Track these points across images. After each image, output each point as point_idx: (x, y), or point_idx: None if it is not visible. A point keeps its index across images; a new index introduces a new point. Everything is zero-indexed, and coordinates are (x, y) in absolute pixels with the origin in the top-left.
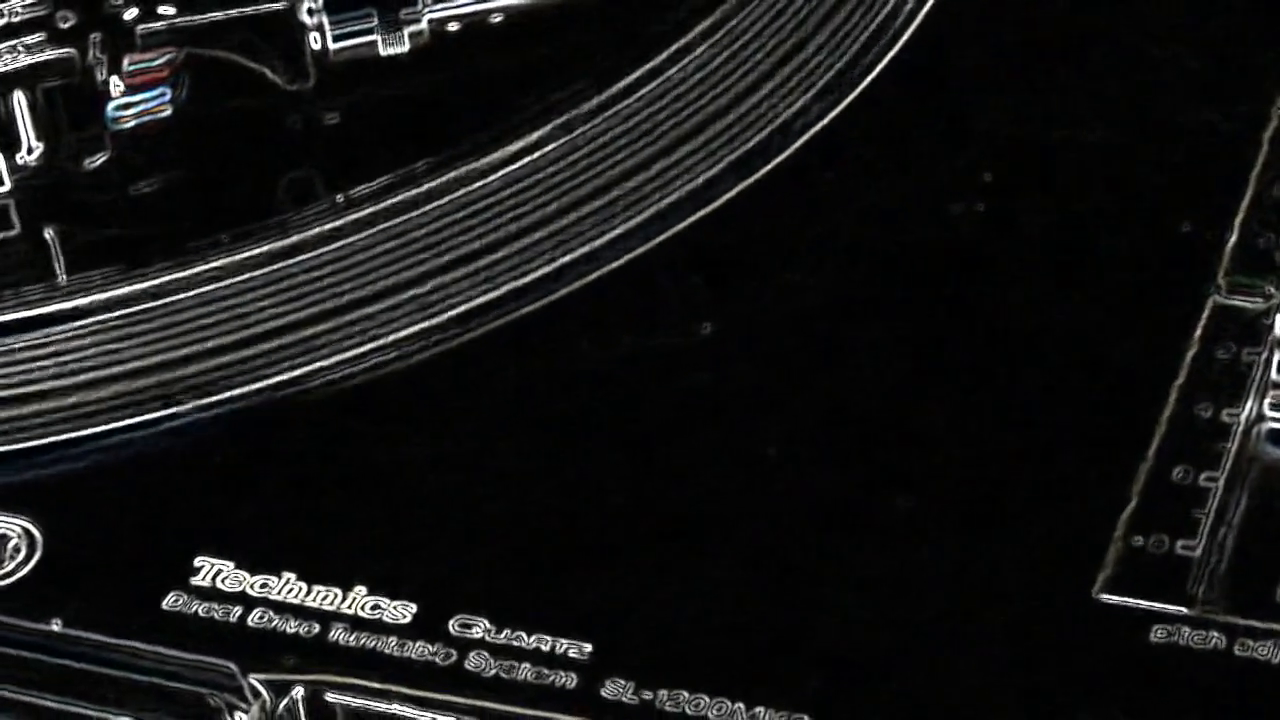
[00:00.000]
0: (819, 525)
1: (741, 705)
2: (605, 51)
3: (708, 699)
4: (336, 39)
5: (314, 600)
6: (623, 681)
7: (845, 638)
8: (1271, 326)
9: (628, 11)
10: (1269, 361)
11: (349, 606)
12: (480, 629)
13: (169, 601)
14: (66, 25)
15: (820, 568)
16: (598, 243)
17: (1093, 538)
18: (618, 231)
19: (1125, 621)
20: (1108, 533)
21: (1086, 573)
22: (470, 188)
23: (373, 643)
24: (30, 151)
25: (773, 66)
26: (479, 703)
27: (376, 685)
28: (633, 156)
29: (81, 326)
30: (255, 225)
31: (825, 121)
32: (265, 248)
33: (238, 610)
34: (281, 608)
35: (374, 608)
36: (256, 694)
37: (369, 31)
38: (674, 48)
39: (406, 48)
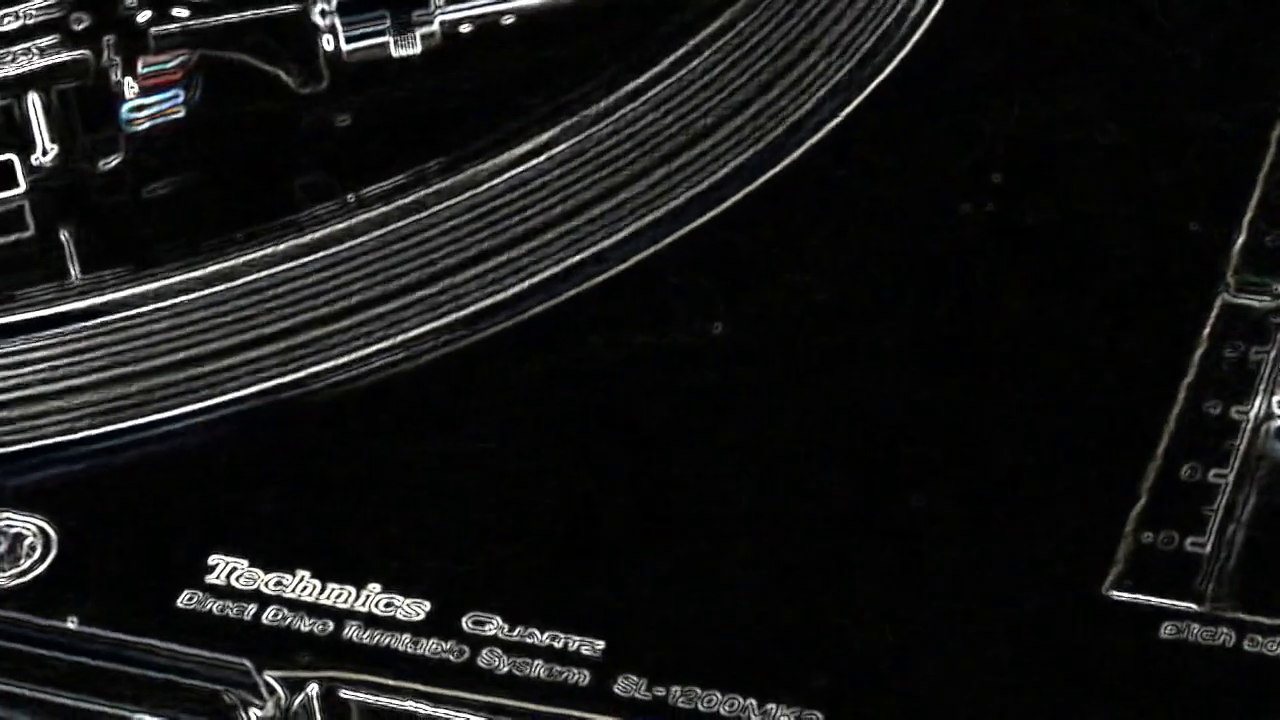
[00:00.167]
0: (830, 523)
1: (753, 702)
2: (615, 53)
3: (720, 695)
4: (349, 41)
5: (328, 598)
6: (635, 678)
7: (857, 635)
8: (1279, 325)
9: (638, 14)
10: (1277, 359)
11: (363, 604)
12: (493, 626)
13: (184, 599)
14: (81, 27)
15: (832, 566)
16: (608, 243)
17: (1102, 535)
18: (628, 232)
19: (1135, 618)
20: (1117, 530)
21: (1096, 569)
22: (481, 188)
23: (386, 640)
24: (45, 153)
25: (782, 68)
26: (492, 699)
27: (390, 682)
28: (643, 158)
29: (95, 326)
30: (267, 226)
31: (835, 122)
32: (277, 248)
33: (252, 608)
34: (296, 605)
35: (388, 605)
36: (271, 691)
37: (381, 33)
38: (683, 49)
39: (419, 50)
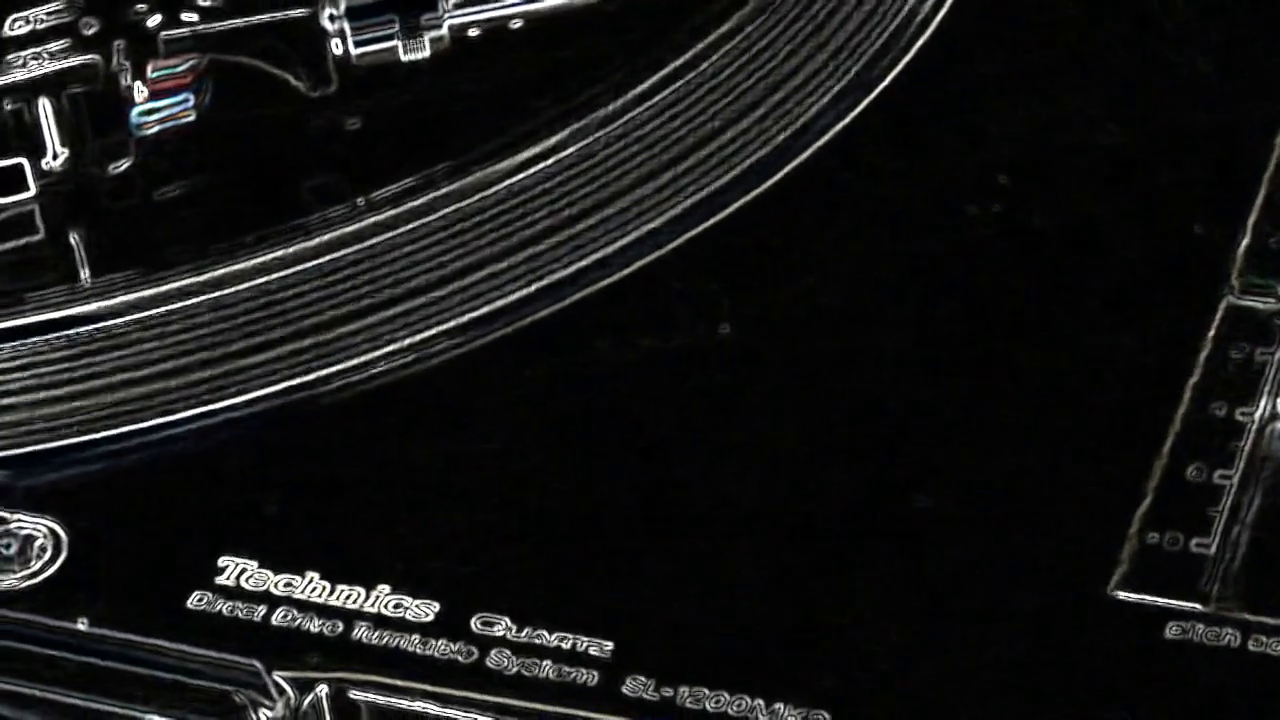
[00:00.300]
0: (837, 524)
1: (761, 702)
2: (623, 57)
3: (727, 696)
4: (358, 45)
5: (337, 599)
6: (643, 679)
7: (863, 635)
8: None
9: (645, 18)
10: None
11: (372, 605)
12: (502, 627)
13: (194, 600)
14: (91, 32)
15: (838, 566)
16: (616, 246)
17: (1108, 535)
18: (635, 235)
19: (1140, 618)
20: (1123, 530)
21: (1102, 570)
22: (489, 191)
23: (396, 641)
24: (55, 157)
25: (789, 71)
26: (501, 700)
27: (399, 683)
28: (650, 161)
29: (105, 329)
30: (277, 229)
31: (842, 125)
32: (287, 251)
33: (262, 609)
34: (305, 606)
35: (397, 606)
36: (281, 691)
37: (390, 37)
38: (691, 53)
39: (427, 53)
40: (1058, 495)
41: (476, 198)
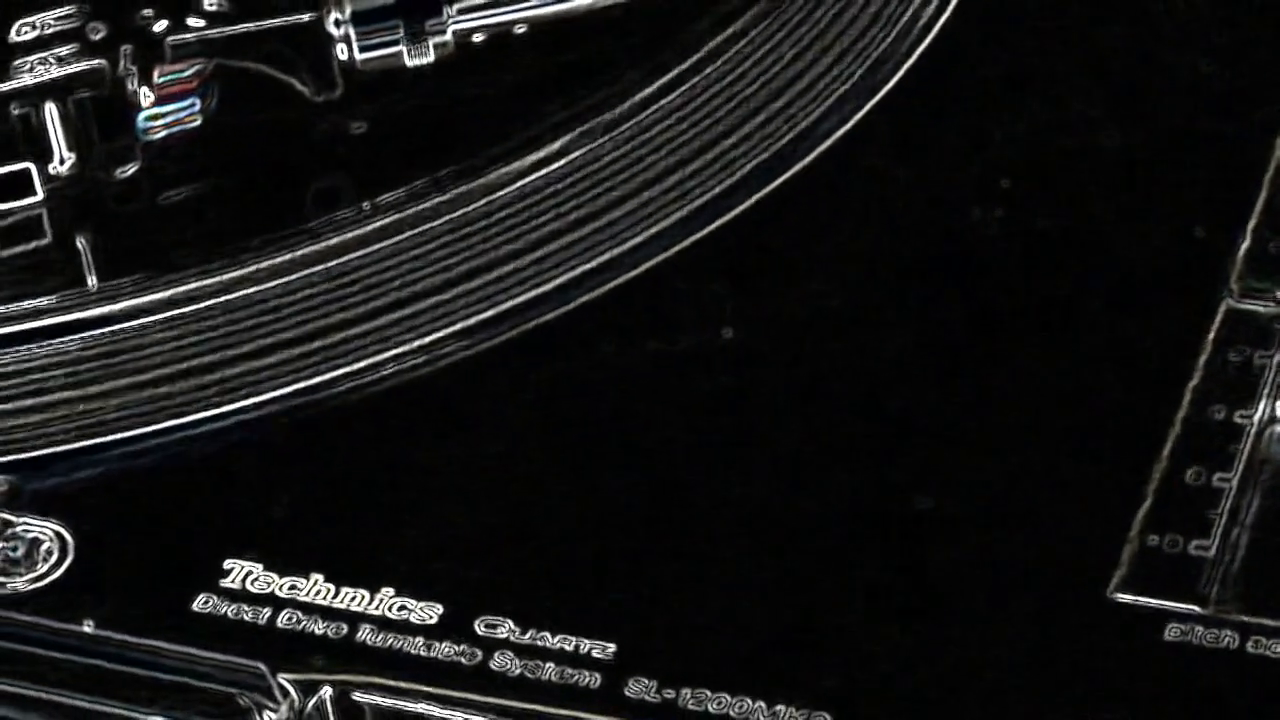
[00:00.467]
0: (838, 526)
1: (762, 704)
2: (627, 62)
3: (729, 697)
4: (363, 50)
5: (342, 601)
6: (646, 680)
7: (864, 636)
8: None
9: (650, 23)
10: None
11: (376, 608)
12: (505, 629)
13: (199, 603)
14: (98, 37)
15: (839, 568)
16: (620, 249)
17: (1108, 537)
18: (640, 238)
19: (1139, 620)
20: (1123, 532)
21: (1101, 572)
22: (494, 195)
23: (399, 643)
24: (62, 161)
25: (793, 76)
26: (504, 702)
27: (403, 685)
28: (654, 165)
29: (112, 332)
30: (283, 233)
31: (845, 129)
32: (292, 255)
33: (267, 611)
34: (310, 609)
35: (401, 609)
36: (285, 693)
37: (395, 43)
38: (696, 58)
39: (432, 59)
40: (1058, 497)
41: (482, 201)
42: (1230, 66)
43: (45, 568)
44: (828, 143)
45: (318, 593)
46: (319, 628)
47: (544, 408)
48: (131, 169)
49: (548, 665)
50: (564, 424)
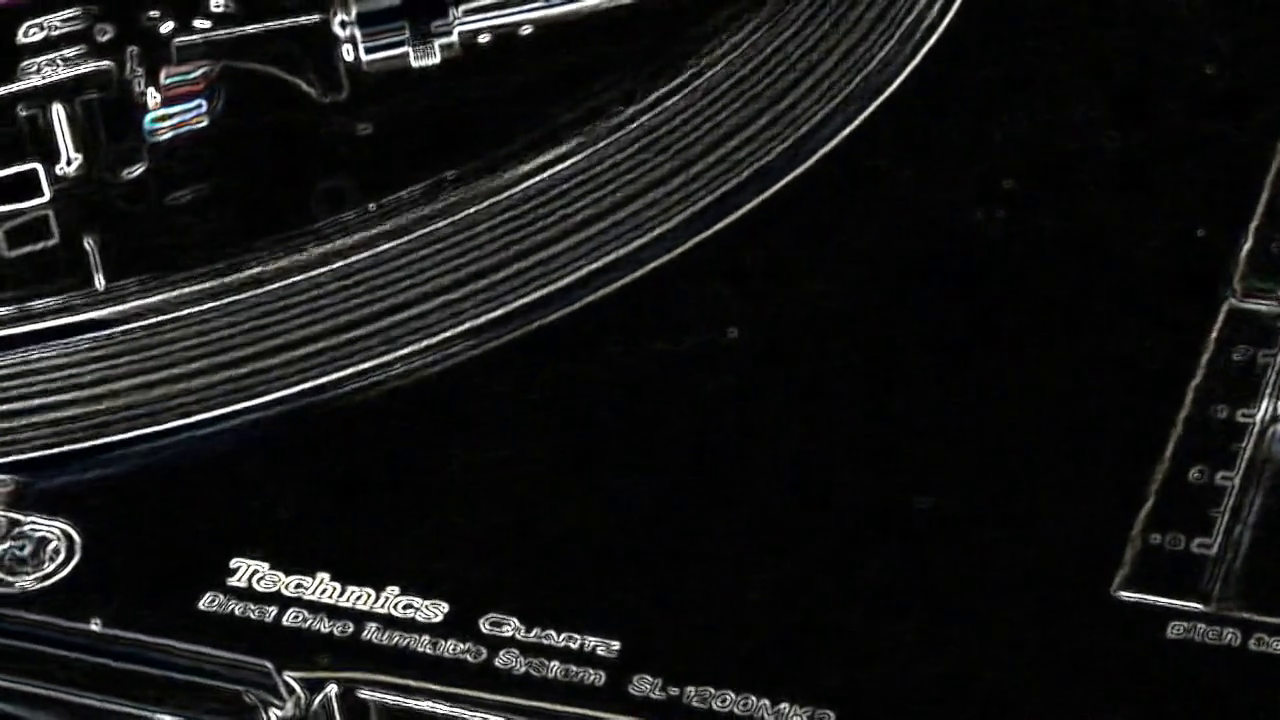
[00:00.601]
0: (841, 524)
1: (767, 701)
2: (633, 64)
3: (733, 695)
4: (369, 51)
5: (348, 600)
6: (650, 678)
7: (867, 635)
8: None
9: (655, 25)
10: None
11: (382, 606)
12: (510, 628)
13: (206, 601)
14: (104, 39)
15: (842, 566)
16: (626, 250)
17: (1110, 536)
18: (645, 239)
19: (1142, 618)
20: (1125, 531)
21: (1104, 570)
22: (500, 196)
23: (405, 641)
24: (69, 163)
25: (797, 77)
26: (509, 699)
27: (409, 683)
28: (660, 166)
29: (120, 333)
30: (290, 234)
31: (849, 130)
32: (299, 256)
33: (273, 610)
34: (316, 607)
35: (406, 607)
36: (291, 691)
37: (401, 44)
38: (701, 59)
39: (438, 60)
40: (1061, 496)
41: (488, 202)
42: (1232, 67)
43: (53, 567)
44: (832, 144)
45: (324, 591)
46: (325, 626)
47: (549, 407)
48: (138, 170)
49: (553, 663)
50: (569, 423)
